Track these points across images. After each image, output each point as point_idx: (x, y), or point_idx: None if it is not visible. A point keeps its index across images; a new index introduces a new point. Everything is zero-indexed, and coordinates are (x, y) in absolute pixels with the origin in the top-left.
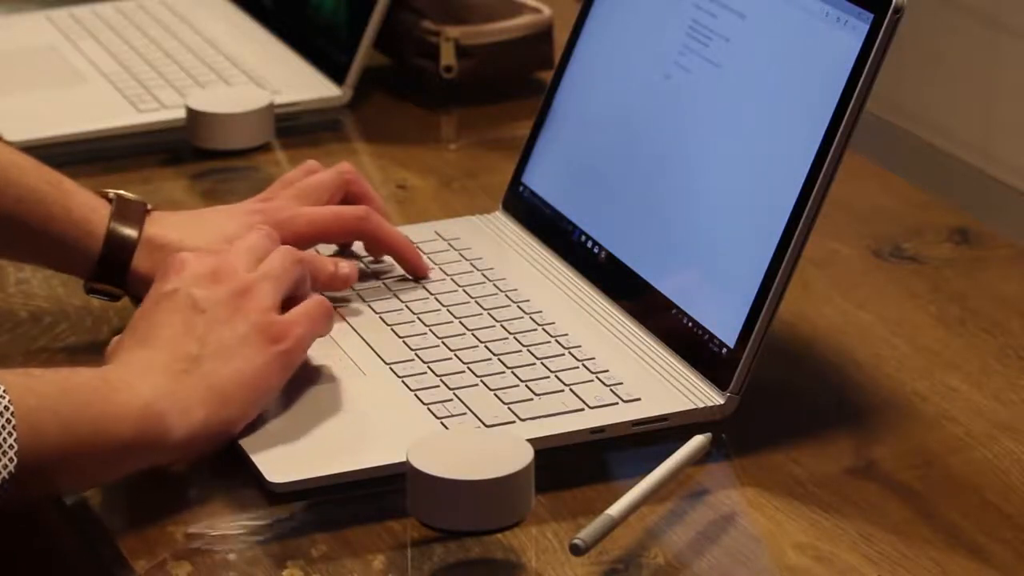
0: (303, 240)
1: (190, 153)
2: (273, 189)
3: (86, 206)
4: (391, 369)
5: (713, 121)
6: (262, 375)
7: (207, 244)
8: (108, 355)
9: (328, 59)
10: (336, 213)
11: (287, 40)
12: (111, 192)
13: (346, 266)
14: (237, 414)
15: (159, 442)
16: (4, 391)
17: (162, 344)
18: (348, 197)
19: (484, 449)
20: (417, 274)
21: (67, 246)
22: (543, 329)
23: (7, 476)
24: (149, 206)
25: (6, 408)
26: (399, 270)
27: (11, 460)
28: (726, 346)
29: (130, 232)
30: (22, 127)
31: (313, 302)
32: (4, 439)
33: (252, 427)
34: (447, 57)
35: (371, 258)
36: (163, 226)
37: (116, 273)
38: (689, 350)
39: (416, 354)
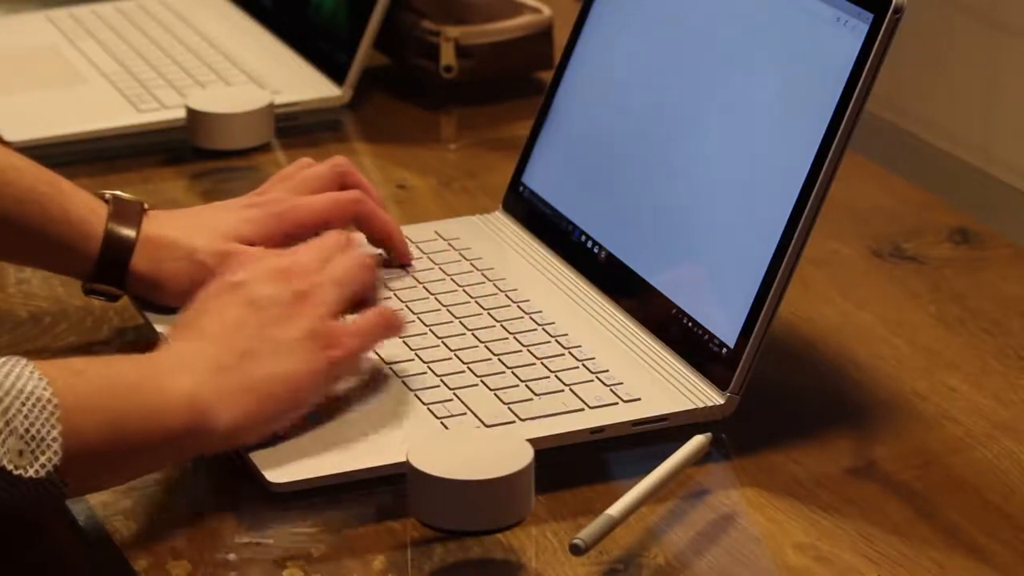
0: (304, 229)
1: (190, 153)
2: (270, 184)
3: (84, 207)
4: (391, 369)
5: (713, 121)
6: (306, 378)
7: (205, 241)
8: (168, 331)
9: (328, 59)
10: (333, 199)
11: (287, 40)
12: (108, 193)
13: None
14: (276, 412)
15: (205, 433)
16: (48, 384)
17: (215, 337)
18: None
19: (484, 449)
20: (404, 261)
21: (65, 247)
22: (543, 329)
23: (52, 469)
24: (146, 205)
25: (49, 401)
26: (399, 270)
27: (56, 453)
28: (726, 346)
29: (128, 232)
30: (22, 127)
31: (376, 312)
32: (48, 432)
33: None
34: (447, 57)
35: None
36: (161, 225)
37: (115, 273)
38: (689, 350)
39: (416, 354)
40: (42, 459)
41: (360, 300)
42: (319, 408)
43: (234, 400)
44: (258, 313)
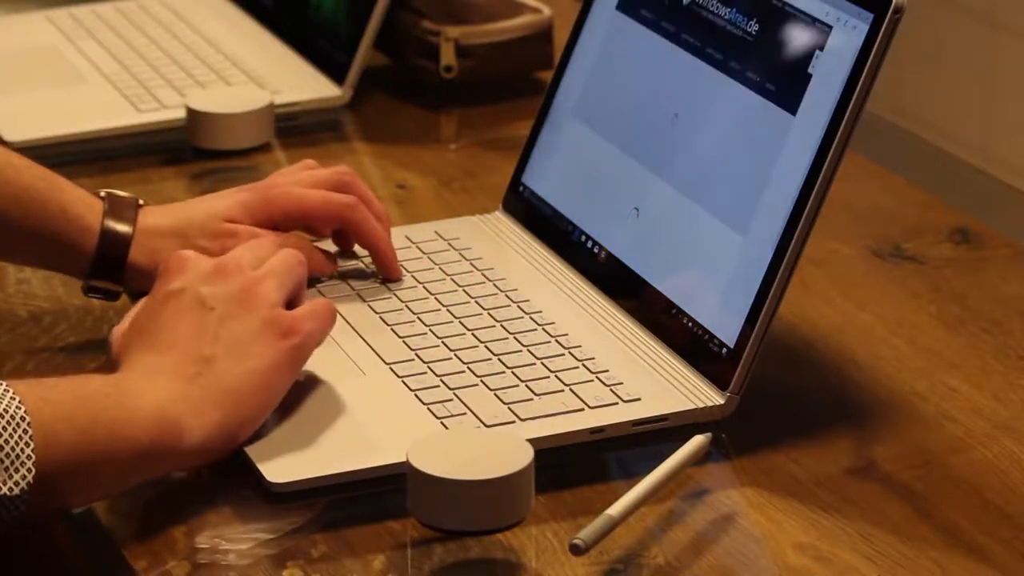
0: (290, 219)
1: (190, 153)
2: (269, 179)
3: (81, 203)
4: (391, 369)
5: (713, 120)
6: (274, 371)
7: (199, 222)
8: (115, 353)
9: (328, 59)
10: (326, 198)
11: (287, 40)
12: (102, 191)
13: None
14: (252, 414)
15: (175, 447)
16: (20, 401)
17: (172, 347)
18: None
19: (484, 449)
20: (388, 275)
21: (63, 244)
22: (543, 329)
23: (25, 487)
24: (141, 201)
25: (23, 419)
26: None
27: (29, 471)
28: (726, 346)
29: (124, 227)
30: (22, 127)
31: (319, 301)
32: (22, 449)
33: None
34: (447, 57)
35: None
36: (156, 216)
37: (113, 268)
38: (689, 350)
39: (416, 354)
40: (16, 476)
41: (295, 296)
42: (316, 409)
43: (206, 409)
44: (209, 313)
